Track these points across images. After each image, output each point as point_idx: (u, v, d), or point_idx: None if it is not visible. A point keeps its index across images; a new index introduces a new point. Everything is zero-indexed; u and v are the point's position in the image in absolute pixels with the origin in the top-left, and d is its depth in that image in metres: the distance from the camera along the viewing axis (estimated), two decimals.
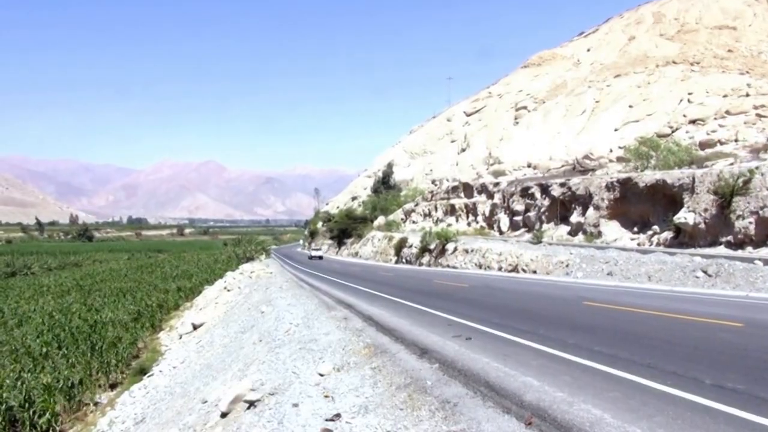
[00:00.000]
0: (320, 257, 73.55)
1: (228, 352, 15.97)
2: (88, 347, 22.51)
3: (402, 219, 71.46)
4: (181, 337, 26.90)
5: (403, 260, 52.04)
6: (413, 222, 67.07)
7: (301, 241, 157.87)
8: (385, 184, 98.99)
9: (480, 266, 35.31)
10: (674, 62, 69.76)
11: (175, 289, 44.18)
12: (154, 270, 65.90)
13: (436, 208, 61.34)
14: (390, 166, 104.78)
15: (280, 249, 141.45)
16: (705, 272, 19.86)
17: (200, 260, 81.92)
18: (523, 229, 43.06)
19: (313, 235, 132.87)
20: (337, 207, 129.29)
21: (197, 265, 71.38)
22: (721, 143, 40.07)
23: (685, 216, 26.37)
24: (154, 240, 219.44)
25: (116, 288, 46.41)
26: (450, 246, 41.51)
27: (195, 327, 27.45)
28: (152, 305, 35.59)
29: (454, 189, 58.37)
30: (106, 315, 30.62)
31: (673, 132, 49.95)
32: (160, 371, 20.39)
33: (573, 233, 35.69)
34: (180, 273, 59.37)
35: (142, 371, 21.61)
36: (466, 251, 38.60)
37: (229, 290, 34.72)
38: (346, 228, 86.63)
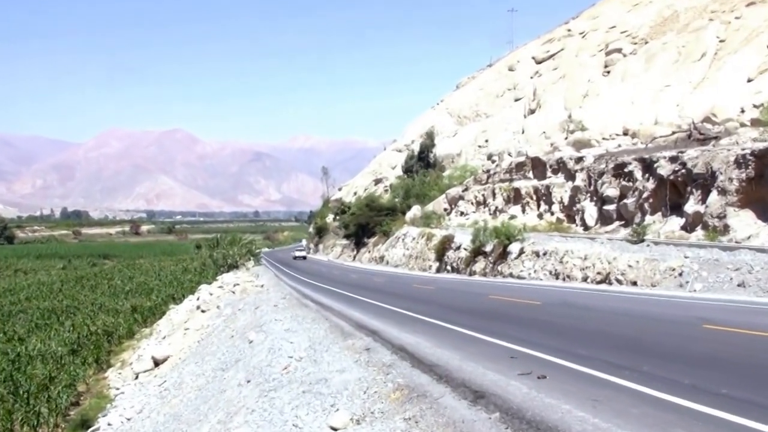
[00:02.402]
0: (303, 257, 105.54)
1: (204, 398, 16.15)
2: (9, 391, 22.90)
3: (446, 209, 71.51)
4: (137, 377, 27.26)
5: (448, 267, 52.10)
6: (461, 213, 67.07)
7: (303, 242, 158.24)
8: (422, 160, 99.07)
9: (556, 275, 35.18)
10: None
11: (128, 310, 44.76)
12: (100, 283, 66.85)
13: (493, 194, 61.19)
14: (430, 135, 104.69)
15: (275, 253, 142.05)
16: None
17: (163, 269, 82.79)
18: (617, 223, 42.71)
19: (320, 232, 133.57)
20: (355, 193, 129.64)
21: (159, 276, 72.16)
22: None
23: None
24: (99, 241, 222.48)
25: (47, 309, 47.16)
26: (514, 247, 41.44)
27: (157, 363, 27.80)
28: (97, 332, 36.11)
29: (520, 167, 58.10)
30: (34, 346, 31.16)
31: None
32: (109, 424, 20.69)
33: (688, 228, 35.30)
34: (135, 287, 60.15)
35: (84, 424, 21.92)
36: (537, 254, 38.48)
37: (203, 311, 35.12)
38: (366, 223, 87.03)
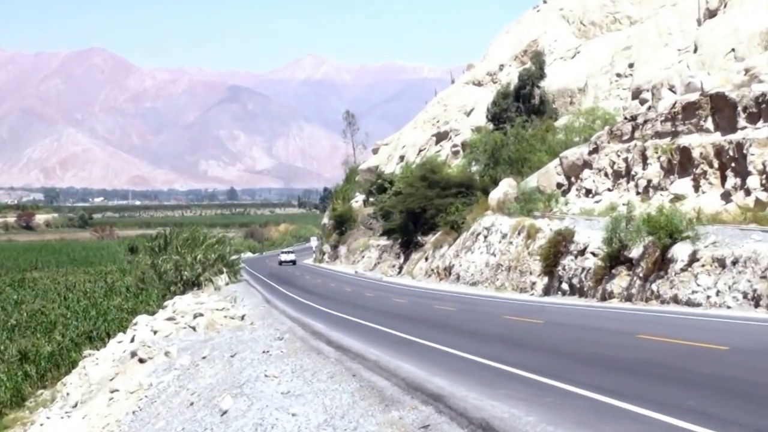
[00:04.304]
0: (293, 262, 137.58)
1: None
2: None
3: (560, 185, 71.14)
4: None
5: (563, 286, 51.80)
6: (587, 192, 66.66)
7: (313, 241, 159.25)
8: (520, 101, 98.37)
9: (756, 300, 34.80)
10: None
11: (14, 359, 45.13)
12: None
13: (643, 159, 60.80)
14: (536, 58, 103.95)
15: (264, 260, 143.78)
16: None
17: (74, 288, 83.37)
18: None
19: (342, 225, 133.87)
20: (401, 158, 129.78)
21: (66, 300, 72.55)
22: None
23: None
24: None
25: None
26: (680, 250, 41.00)
27: None
28: None
29: (690, 110, 57.67)
30: None
31: None
32: None
33: None
34: (26, 320, 60.58)
35: None
36: (722, 263, 38.10)
37: (142, 360, 35.30)
38: (421, 209, 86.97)
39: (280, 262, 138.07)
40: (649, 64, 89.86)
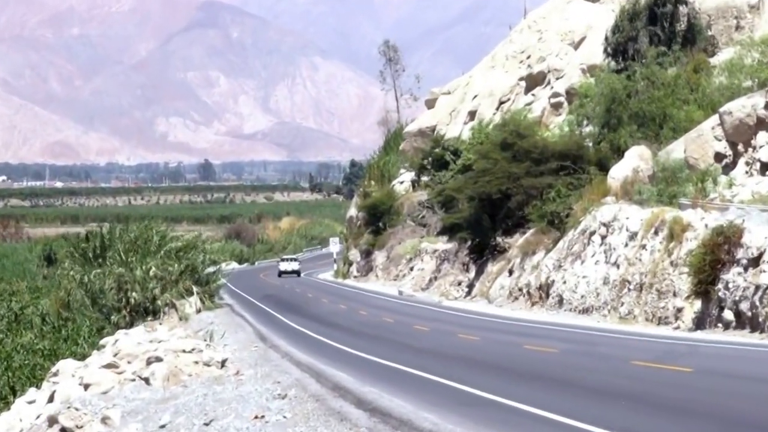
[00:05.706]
0: (296, 273, 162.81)
1: None
2: None
3: (721, 158, 70.80)
4: None
5: (723, 313, 51.56)
6: (762, 168, 66.32)
7: (333, 246, 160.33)
8: (656, 23, 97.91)
9: None
10: None
11: None
12: None
13: None
14: None
15: (257, 277, 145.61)
16: None
17: None
18: None
19: (377, 219, 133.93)
20: (471, 115, 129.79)
21: None
22: None
23: None
24: None
25: None
26: None
27: None
28: None
29: None
30: None
31: None
32: None
33: None
34: None
35: None
36: None
37: (68, 430, 35.37)
38: (503, 194, 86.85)
39: (280, 273, 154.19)
40: None
